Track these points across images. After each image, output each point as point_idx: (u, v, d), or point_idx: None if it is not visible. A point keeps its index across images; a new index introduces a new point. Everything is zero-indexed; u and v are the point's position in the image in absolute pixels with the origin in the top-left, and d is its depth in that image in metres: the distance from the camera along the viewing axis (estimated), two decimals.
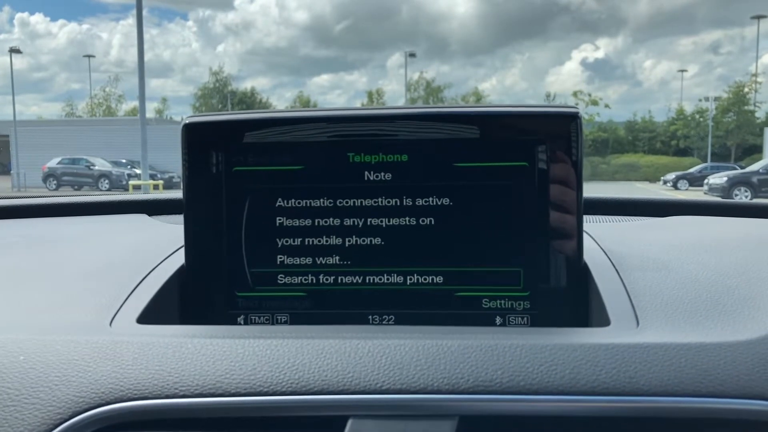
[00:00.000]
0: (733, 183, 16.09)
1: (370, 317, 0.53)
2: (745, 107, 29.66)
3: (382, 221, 0.53)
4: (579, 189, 0.51)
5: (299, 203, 0.53)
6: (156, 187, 12.89)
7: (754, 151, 28.44)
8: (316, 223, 0.53)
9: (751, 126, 29.64)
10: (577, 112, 0.51)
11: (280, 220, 0.53)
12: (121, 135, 24.55)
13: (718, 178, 16.90)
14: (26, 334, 0.42)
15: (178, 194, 0.88)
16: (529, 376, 0.37)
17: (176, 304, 0.53)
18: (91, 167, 20.08)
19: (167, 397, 0.37)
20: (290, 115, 0.53)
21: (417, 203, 0.52)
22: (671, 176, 22.20)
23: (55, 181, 20.04)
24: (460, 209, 0.52)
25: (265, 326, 0.53)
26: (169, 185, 17.33)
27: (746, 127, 29.44)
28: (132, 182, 13.39)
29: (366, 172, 0.52)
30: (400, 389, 0.36)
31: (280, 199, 0.53)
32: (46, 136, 25.30)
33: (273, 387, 0.37)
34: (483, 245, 0.52)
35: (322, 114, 0.53)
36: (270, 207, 0.53)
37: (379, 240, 0.53)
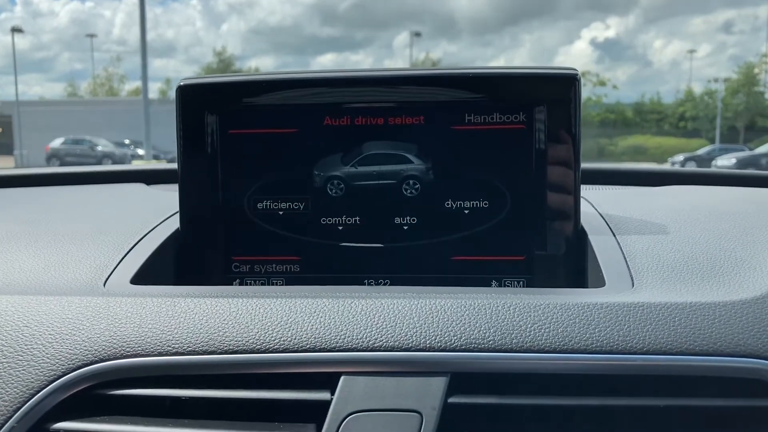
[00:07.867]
0: (742, 165, 15.94)
1: (366, 281, 0.53)
2: (755, 88, 29.24)
3: (379, 184, 0.52)
4: (576, 153, 0.50)
5: (294, 166, 0.53)
6: None
7: (764, 133, 28.12)
8: (312, 186, 0.53)
9: (761, 107, 29.27)
10: (577, 74, 0.50)
11: (275, 182, 0.53)
12: (124, 115, 24.49)
13: (726, 160, 16.76)
14: (21, 294, 0.42)
15: (175, 165, 0.87)
16: (522, 335, 0.37)
17: (172, 267, 0.53)
18: (94, 147, 20.07)
19: (160, 354, 0.37)
20: (287, 78, 0.52)
21: (414, 165, 0.52)
22: (679, 158, 22.00)
23: (58, 162, 20.03)
24: (458, 170, 0.51)
25: (259, 287, 0.53)
26: None
27: (756, 108, 29.06)
28: (135, 162, 13.42)
29: (363, 135, 0.52)
30: (393, 347, 0.36)
31: (275, 162, 0.53)
32: (49, 116, 25.28)
33: (265, 344, 0.37)
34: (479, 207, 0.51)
35: (321, 77, 0.52)
36: (265, 169, 0.53)
37: (378, 202, 0.52)
